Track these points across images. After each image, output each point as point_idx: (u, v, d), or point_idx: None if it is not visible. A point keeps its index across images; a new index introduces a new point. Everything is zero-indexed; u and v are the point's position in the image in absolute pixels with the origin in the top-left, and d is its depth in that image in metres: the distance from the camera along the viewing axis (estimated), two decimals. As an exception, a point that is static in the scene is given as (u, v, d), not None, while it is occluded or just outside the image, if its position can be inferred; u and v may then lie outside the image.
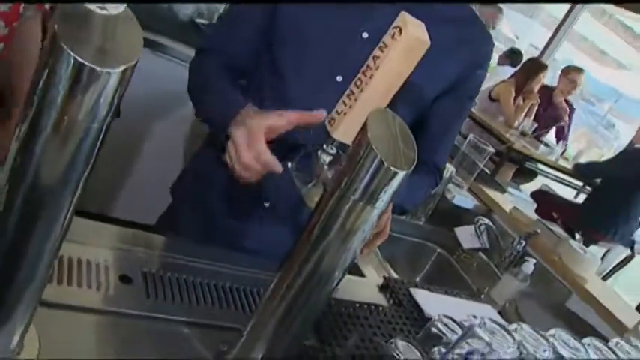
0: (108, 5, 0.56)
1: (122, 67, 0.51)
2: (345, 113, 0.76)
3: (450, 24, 1.03)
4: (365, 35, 0.98)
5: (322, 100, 0.96)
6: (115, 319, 0.80)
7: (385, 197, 0.69)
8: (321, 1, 1.00)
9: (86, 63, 0.50)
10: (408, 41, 0.72)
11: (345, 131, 0.76)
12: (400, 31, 0.72)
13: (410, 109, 1.02)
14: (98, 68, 0.50)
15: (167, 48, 2.13)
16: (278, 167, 0.84)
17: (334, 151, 0.81)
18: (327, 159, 0.81)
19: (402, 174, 0.68)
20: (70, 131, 0.53)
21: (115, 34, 0.53)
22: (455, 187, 1.99)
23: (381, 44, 0.74)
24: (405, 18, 0.72)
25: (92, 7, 0.55)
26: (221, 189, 1.13)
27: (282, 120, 0.84)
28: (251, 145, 0.84)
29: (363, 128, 0.69)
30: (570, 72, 4.79)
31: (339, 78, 1.00)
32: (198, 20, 2.55)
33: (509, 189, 3.20)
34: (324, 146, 0.81)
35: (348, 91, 0.78)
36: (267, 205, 1.10)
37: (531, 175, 4.95)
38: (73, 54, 0.49)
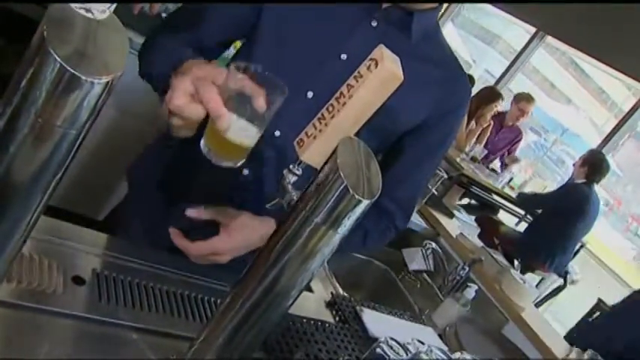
0: (94, 9, 0.57)
1: (107, 78, 0.52)
2: (314, 137, 0.78)
3: (428, 63, 1.06)
4: (343, 57, 1.00)
5: (289, 112, 0.97)
6: (65, 321, 0.79)
7: (348, 223, 0.72)
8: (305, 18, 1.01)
9: (71, 70, 0.50)
10: (382, 74, 0.74)
11: (312, 154, 0.78)
12: (376, 64, 0.74)
13: (374, 138, 1.03)
14: (83, 77, 0.50)
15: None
16: (222, 111, 0.72)
17: (300, 172, 0.83)
18: (292, 179, 0.83)
19: (366, 202, 0.70)
20: (47, 134, 0.53)
21: (102, 42, 0.54)
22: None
23: (356, 74, 0.77)
24: (383, 51, 0.75)
25: (81, 10, 0.56)
26: (180, 176, 1.11)
27: (237, 81, 0.73)
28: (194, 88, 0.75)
29: (333, 154, 0.71)
30: (521, 100, 4.97)
31: (310, 94, 1.01)
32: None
33: (457, 213, 3.29)
34: (290, 166, 0.83)
35: (319, 115, 0.80)
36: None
37: (488, 208, 5.05)
38: (59, 59, 0.49)
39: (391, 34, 1.02)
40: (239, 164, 0.79)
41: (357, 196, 0.69)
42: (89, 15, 0.57)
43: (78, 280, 0.87)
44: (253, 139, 0.76)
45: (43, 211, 0.59)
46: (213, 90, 0.71)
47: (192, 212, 1.01)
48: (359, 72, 0.76)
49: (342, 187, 0.69)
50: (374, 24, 1.03)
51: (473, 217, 4.48)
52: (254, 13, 1.01)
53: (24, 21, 2.06)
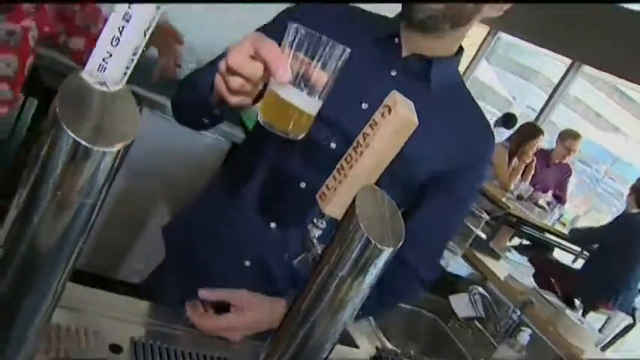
0: (109, 82, 0.59)
1: (117, 147, 0.53)
2: (335, 188, 0.78)
3: (448, 112, 1.05)
4: (364, 106, 1.01)
5: (314, 163, 0.97)
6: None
7: (374, 272, 0.70)
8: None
9: (83, 142, 0.51)
10: (397, 120, 0.74)
11: (334, 207, 0.77)
12: (389, 110, 0.74)
13: (396, 187, 1.01)
14: (95, 148, 0.52)
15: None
16: (283, 62, 0.69)
17: (324, 226, 0.82)
18: (317, 233, 0.82)
19: (389, 250, 0.69)
20: (66, 205, 0.54)
21: (112, 112, 0.56)
22: (449, 253, 1.99)
23: (371, 122, 0.77)
24: (395, 97, 0.75)
25: (96, 85, 0.58)
26: (208, 241, 1.13)
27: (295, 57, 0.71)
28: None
29: (352, 205, 0.70)
30: (567, 138, 4.84)
31: (333, 145, 1.01)
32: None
33: (509, 254, 3.19)
34: (314, 220, 0.82)
35: (338, 166, 0.80)
36: (247, 263, 1.09)
37: (542, 247, 4.89)
38: (70, 132, 0.51)
39: (410, 83, 1.03)
40: (301, 136, 0.76)
41: (379, 246, 0.68)
42: (103, 88, 0.59)
43: (116, 349, 0.88)
44: (314, 108, 0.74)
45: (69, 278, 0.60)
46: (274, 46, 0.69)
47: (204, 293, 1.03)
48: (374, 119, 0.76)
49: (363, 238, 0.68)
50: (393, 73, 1.04)
51: (526, 258, 4.33)
52: None
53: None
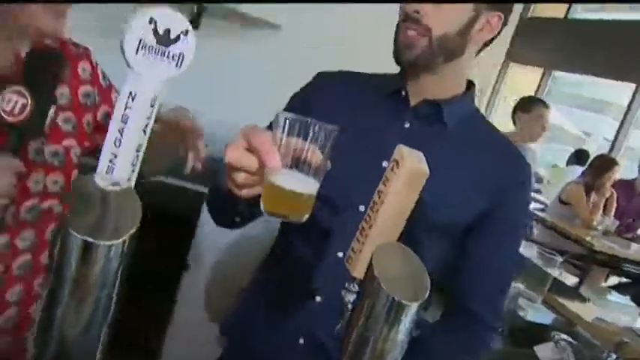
0: (122, 182, 0.63)
1: (121, 239, 0.56)
2: (359, 251, 0.78)
3: (471, 150, 1.04)
4: (385, 164, 1.01)
5: (348, 231, 0.96)
6: None
7: (403, 328, 0.68)
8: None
9: (89, 239, 0.55)
10: (406, 173, 0.74)
11: (362, 269, 0.77)
12: (398, 164, 0.74)
13: (438, 238, 1.00)
14: (101, 242, 0.55)
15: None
16: (272, 149, 0.70)
17: (357, 289, 0.81)
18: (351, 297, 0.81)
19: (415, 304, 0.67)
20: (83, 300, 0.57)
21: (115, 208, 0.59)
22: (527, 302, 1.89)
23: (383, 178, 0.77)
24: (402, 150, 0.75)
25: (109, 187, 0.62)
26: (262, 327, 1.13)
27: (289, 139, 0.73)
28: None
29: (370, 264, 0.70)
30: (649, 164, 4.59)
31: (362, 207, 1.02)
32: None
33: (608, 295, 2.99)
34: (347, 285, 0.81)
35: (360, 228, 0.79)
36: (301, 341, 1.08)
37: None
38: (78, 234, 0.55)
39: (425, 130, 1.03)
40: (305, 218, 0.76)
41: (404, 302, 0.67)
42: (115, 188, 0.64)
43: None
44: (312, 188, 0.74)
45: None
46: (264, 135, 0.71)
47: None
48: (385, 176, 0.77)
49: (385, 296, 0.67)
50: (407, 125, 1.05)
51: (629, 297, 4.02)
52: None
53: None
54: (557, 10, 7.29)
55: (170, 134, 1.09)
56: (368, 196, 1.00)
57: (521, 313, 1.84)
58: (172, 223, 1.23)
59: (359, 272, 0.78)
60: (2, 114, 0.90)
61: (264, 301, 1.14)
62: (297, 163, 0.72)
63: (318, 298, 1.06)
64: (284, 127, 0.72)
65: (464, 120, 1.06)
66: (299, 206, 0.75)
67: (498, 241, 1.07)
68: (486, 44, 1.08)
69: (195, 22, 2.70)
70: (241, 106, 2.37)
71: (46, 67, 0.97)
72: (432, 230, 0.95)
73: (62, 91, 1.06)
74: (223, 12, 2.60)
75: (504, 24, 1.05)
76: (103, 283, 0.57)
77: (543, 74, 7.34)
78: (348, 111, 1.06)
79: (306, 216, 0.77)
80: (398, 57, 1.02)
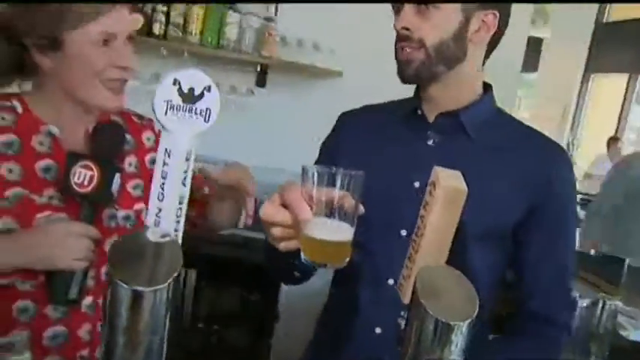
0: (165, 232, 0.68)
1: (165, 284, 0.60)
2: (408, 276, 0.77)
3: (501, 150, 1.03)
4: (416, 184, 1.02)
5: (395, 257, 0.95)
6: None
7: (457, 346, 0.67)
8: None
9: (138, 288, 0.59)
10: (444, 194, 0.74)
11: (411, 295, 0.76)
12: (435, 187, 0.75)
13: (489, 247, 0.98)
14: (147, 289, 0.59)
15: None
16: (302, 204, 0.75)
17: (411, 315, 0.80)
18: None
19: (464, 324, 0.66)
20: (136, 346, 0.61)
21: (159, 257, 0.64)
22: (628, 320, 1.75)
23: (423, 203, 0.77)
24: (437, 172, 0.76)
25: (157, 239, 0.67)
26: None
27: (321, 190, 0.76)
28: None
29: (413, 290, 0.69)
30: None
31: (403, 232, 1.03)
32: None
33: None
34: (402, 313, 0.81)
35: (408, 254, 0.80)
36: None
37: None
38: (125, 285, 0.59)
39: (450, 144, 1.04)
40: (344, 264, 0.78)
41: (451, 323, 0.66)
42: (166, 239, 0.68)
43: None
44: (347, 234, 0.77)
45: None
46: (295, 190, 0.75)
47: None
48: (425, 200, 0.77)
49: (432, 319, 0.66)
50: (430, 142, 1.06)
51: None
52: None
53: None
54: (635, 11, 6.97)
55: (229, 192, 1.16)
56: (407, 220, 1.00)
57: (622, 333, 1.71)
58: (260, 274, 1.29)
59: (409, 298, 0.78)
60: (74, 186, 0.99)
61: (329, 344, 1.14)
62: (331, 211, 0.75)
63: (378, 330, 1.05)
64: (313, 179, 0.76)
65: (487, 123, 1.05)
66: (336, 253, 0.78)
67: (552, 236, 1.04)
68: (493, 45, 1.06)
69: (261, 81, 2.82)
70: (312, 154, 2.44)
71: (110, 139, 1.07)
72: (481, 240, 0.93)
73: (131, 160, 1.16)
74: (288, 67, 2.71)
75: (505, 22, 1.03)
76: (154, 329, 0.61)
77: (629, 79, 6.98)
78: (373, 140, 1.09)
79: (346, 261, 0.79)
80: (401, 75, 1.04)
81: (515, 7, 1.06)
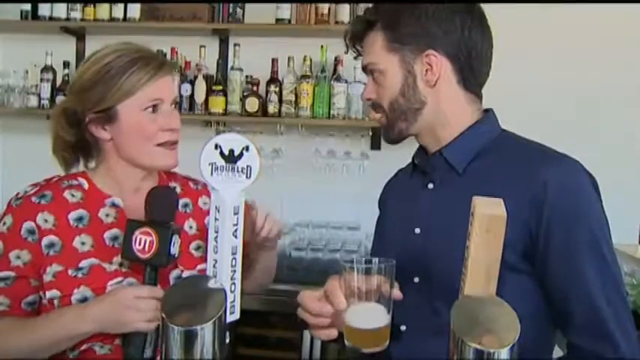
0: (223, 281, 0.76)
1: (211, 321, 0.68)
2: (462, 309, 0.77)
3: (495, 181, 0.97)
4: (417, 231, 1.05)
5: (406, 304, 0.93)
6: None
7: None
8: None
9: (188, 328, 0.67)
10: (482, 222, 0.74)
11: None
12: (473, 216, 0.75)
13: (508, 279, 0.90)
14: (192, 327, 0.67)
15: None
16: (338, 294, 0.86)
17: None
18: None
19: (503, 351, 0.65)
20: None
21: (204, 297, 0.71)
22: None
23: (468, 233, 0.78)
24: (475, 201, 0.77)
25: (216, 287, 0.75)
26: None
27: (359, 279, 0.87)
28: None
29: (450, 324, 0.69)
30: None
31: (416, 279, 1.02)
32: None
33: None
34: None
35: (461, 288, 0.80)
36: None
37: None
38: (176, 326, 0.67)
39: (445, 184, 1.04)
40: (384, 346, 0.85)
41: (492, 350, 0.65)
42: (225, 286, 0.76)
43: None
44: (384, 319, 0.84)
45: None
46: (334, 282, 0.86)
47: None
48: (468, 232, 0.78)
49: (469, 349, 0.66)
50: (430, 186, 1.06)
51: None
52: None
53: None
54: None
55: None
56: (415, 266, 1.02)
57: None
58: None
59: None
60: (136, 252, 1.07)
61: None
62: (370, 297, 0.85)
63: None
64: (351, 271, 0.85)
65: (479, 154, 1.03)
66: (375, 339, 0.86)
67: (569, 263, 0.92)
68: (473, 68, 1.03)
69: (376, 144, 2.89)
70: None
71: (163, 203, 1.11)
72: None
73: (191, 224, 1.26)
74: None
75: (457, 49, 1.01)
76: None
77: None
78: (396, 200, 1.16)
79: (386, 344, 0.86)
80: (385, 141, 1.12)
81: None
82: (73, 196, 1.18)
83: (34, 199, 1.15)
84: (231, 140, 0.77)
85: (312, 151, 2.78)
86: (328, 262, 2.52)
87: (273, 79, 2.71)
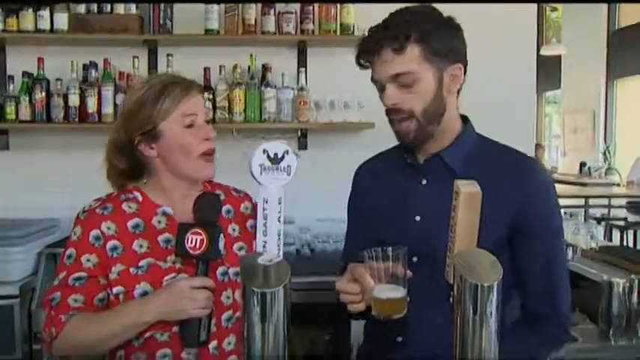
0: (271, 258, 0.95)
1: (282, 285, 0.87)
2: (451, 264, 1.03)
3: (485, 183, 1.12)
4: (417, 218, 1.30)
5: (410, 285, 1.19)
6: None
7: (492, 304, 0.90)
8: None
9: (265, 290, 0.86)
10: (464, 197, 1.01)
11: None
12: (457, 194, 1.02)
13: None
14: (271, 290, 0.86)
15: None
16: (365, 276, 1.14)
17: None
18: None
19: (493, 285, 0.91)
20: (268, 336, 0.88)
21: (272, 272, 0.91)
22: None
23: (452, 207, 1.04)
24: (457, 183, 1.03)
25: (266, 264, 0.94)
26: None
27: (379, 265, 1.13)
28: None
29: (454, 268, 0.95)
30: None
31: (415, 259, 1.24)
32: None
33: None
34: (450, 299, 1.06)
35: (449, 247, 1.06)
36: None
37: None
38: (255, 289, 0.86)
39: (439, 182, 1.25)
40: (404, 313, 1.14)
41: (485, 284, 0.91)
42: (271, 263, 0.96)
43: None
44: (403, 292, 1.14)
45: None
46: (360, 268, 1.14)
47: None
48: (453, 205, 1.04)
49: (470, 284, 0.91)
50: (424, 182, 1.30)
51: None
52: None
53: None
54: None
55: None
56: (415, 248, 1.23)
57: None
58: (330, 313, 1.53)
59: (452, 279, 1.03)
60: (189, 250, 1.26)
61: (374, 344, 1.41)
62: (389, 279, 1.14)
63: (398, 338, 1.30)
64: (372, 258, 1.14)
65: (469, 155, 1.27)
66: (397, 307, 1.15)
67: (539, 249, 1.25)
68: (462, 85, 1.27)
69: (303, 144, 3.12)
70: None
71: (209, 206, 1.33)
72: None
73: (234, 227, 1.44)
74: (324, 127, 3.01)
75: (465, 66, 1.26)
76: (276, 322, 0.87)
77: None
78: (383, 188, 1.36)
79: (404, 311, 1.15)
80: (403, 143, 1.28)
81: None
82: (129, 207, 1.37)
83: (98, 210, 1.34)
84: (275, 146, 0.98)
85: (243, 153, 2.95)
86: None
87: (207, 87, 2.84)
